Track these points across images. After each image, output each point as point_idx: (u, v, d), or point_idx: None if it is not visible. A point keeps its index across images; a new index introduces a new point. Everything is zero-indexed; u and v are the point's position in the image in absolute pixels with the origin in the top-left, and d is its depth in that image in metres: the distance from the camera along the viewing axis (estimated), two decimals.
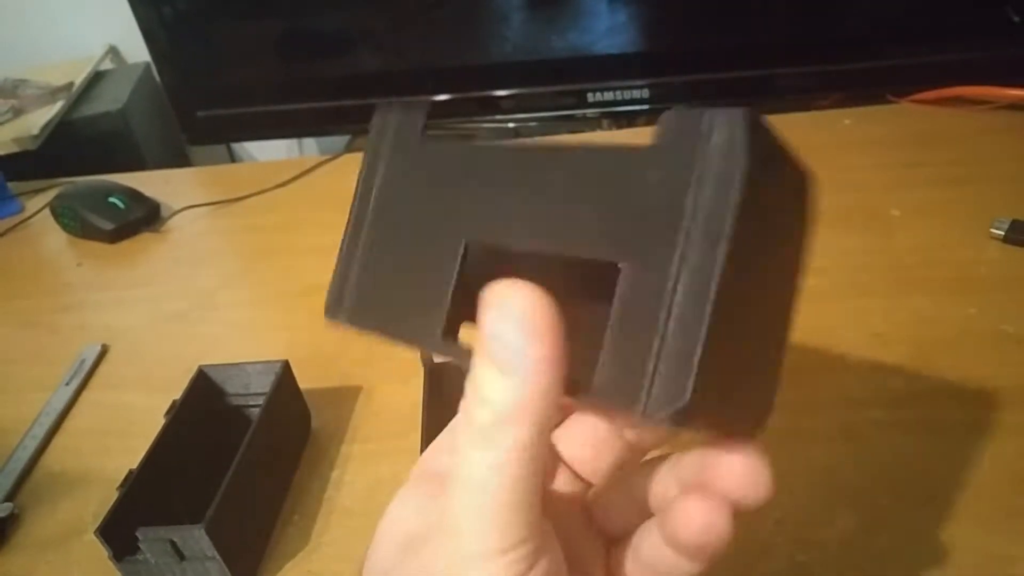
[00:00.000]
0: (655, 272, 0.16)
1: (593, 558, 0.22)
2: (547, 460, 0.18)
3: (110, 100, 1.05)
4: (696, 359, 0.15)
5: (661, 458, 0.21)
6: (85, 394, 0.53)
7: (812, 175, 0.18)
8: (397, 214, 0.22)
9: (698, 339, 0.15)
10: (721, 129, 0.16)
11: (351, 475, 0.44)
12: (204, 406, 0.44)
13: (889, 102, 0.72)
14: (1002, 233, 0.52)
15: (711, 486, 0.18)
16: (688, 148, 0.16)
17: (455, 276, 0.19)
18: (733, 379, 0.17)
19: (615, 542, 0.22)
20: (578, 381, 0.17)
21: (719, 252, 0.15)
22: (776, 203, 0.17)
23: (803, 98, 0.77)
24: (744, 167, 0.15)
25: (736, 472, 0.17)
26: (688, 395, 0.15)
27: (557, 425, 0.23)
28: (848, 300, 0.50)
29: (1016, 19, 0.67)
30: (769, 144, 0.16)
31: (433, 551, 0.19)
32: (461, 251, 0.19)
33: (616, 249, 0.17)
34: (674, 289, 0.16)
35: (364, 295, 0.22)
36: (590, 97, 0.79)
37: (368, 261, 0.22)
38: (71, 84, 1.05)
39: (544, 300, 0.16)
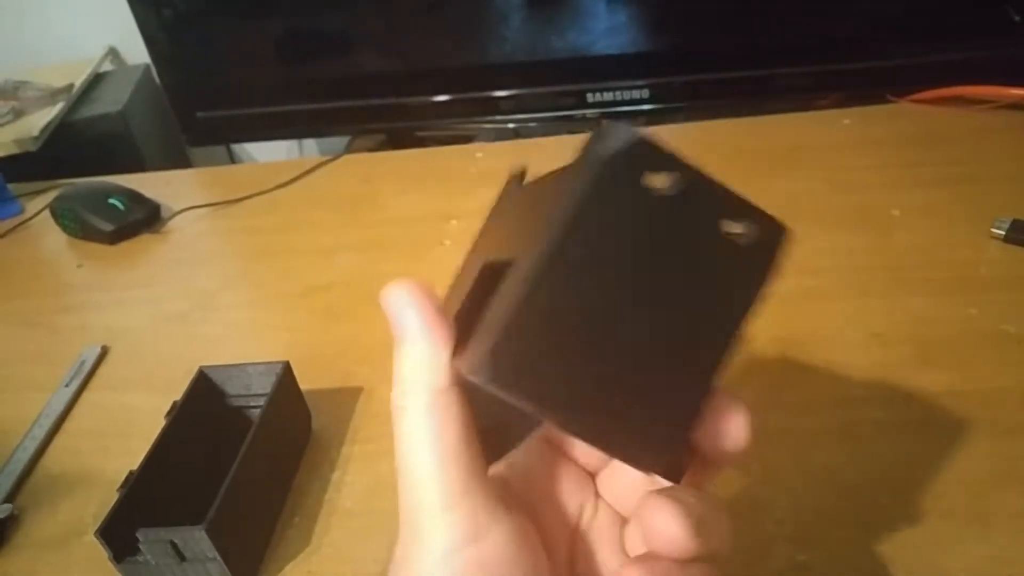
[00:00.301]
0: (517, 263, 0.17)
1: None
2: (464, 426, 0.19)
3: (110, 102, 1.05)
4: (501, 326, 0.17)
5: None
6: (85, 395, 0.53)
7: (779, 227, 0.18)
8: (477, 245, 0.25)
9: (509, 310, 0.17)
10: (603, 135, 0.17)
11: (352, 476, 0.44)
12: (205, 407, 0.44)
13: (889, 102, 0.72)
14: (1003, 233, 0.52)
15: (647, 543, 0.19)
16: (581, 157, 0.18)
17: (466, 293, 0.21)
18: (590, 383, 0.17)
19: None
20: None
21: (551, 233, 0.17)
22: (675, 232, 0.17)
23: (803, 98, 0.77)
24: (593, 167, 0.17)
25: (659, 534, 0.18)
26: (486, 356, 0.17)
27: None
28: (848, 300, 0.50)
29: (1016, 19, 0.67)
30: (660, 161, 0.17)
31: (400, 542, 0.20)
32: (477, 271, 0.21)
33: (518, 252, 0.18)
34: (516, 273, 0.17)
35: None
36: (590, 97, 0.79)
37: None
38: (71, 86, 1.05)
39: (414, 284, 0.19)
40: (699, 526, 0.18)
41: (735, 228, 0.18)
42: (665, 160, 0.17)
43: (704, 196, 0.17)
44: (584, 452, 0.24)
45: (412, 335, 0.19)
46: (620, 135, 0.17)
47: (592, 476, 0.24)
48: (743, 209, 0.18)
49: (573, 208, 0.17)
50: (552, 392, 0.17)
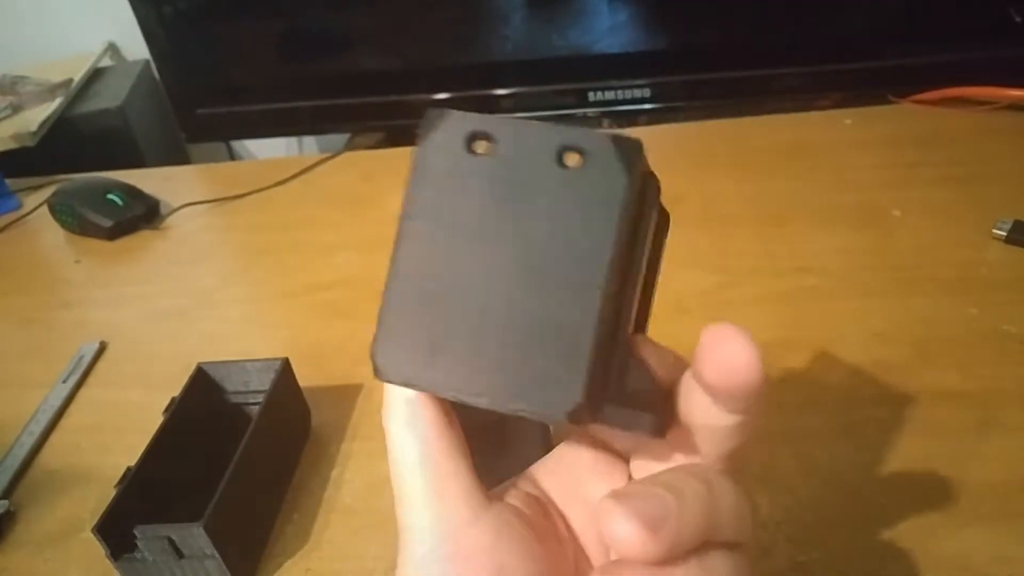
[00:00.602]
0: None
1: None
2: (439, 432, 0.21)
3: (109, 97, 1.05)
4: (378, 324, 0.19)
5: None
6: (83, 391, 0.53)
7: (618, 142, 0.18)
8: None
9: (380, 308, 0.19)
10: (424, 123, 0.19)
11: (351, 473, 0.44)
12: (203, 404, 0.44)
13: (890, 102, 0.72)
14: (1004, 234, 0.52)
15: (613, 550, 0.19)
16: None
17: None
18: (477, 348, 0.18)
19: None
20: None
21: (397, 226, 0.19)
22: (515, 184, 0.18)
23: (804, 98, 0.77)
24: (415, 153, 0.19)
25: (611, 540, 0.17)
26: (373, 358, 0.18)
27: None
28: (849, 300, 0.50)
29: (1018, 19, 0.67)
30: (478, 127, 0.18)
31: (398, 556, 0.21)
32: None
33: None
34: None
35: None
36: (591, 96, 0.79)
37: None
38: (70, 81, 1.05)
39: None
40: (660, 523, 0.17)
41: (572, 160, 0.18)
42: (481, 124, 0.18)
43: (530, 143, 0.18)
44: (613, 436, 0.23)
45: None
46: (433, 117, 0.19)
47: (626, 461, 0.23)
48: (576, 139, 0.18)
49: (405, 197, 0.19)
50: (443, 368, 0.18)
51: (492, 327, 0.18)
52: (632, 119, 0.83)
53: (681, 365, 0.20)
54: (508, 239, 0.18)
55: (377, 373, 0.19)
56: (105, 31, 1.19)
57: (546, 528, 0.22)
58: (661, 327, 0.23)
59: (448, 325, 0.18)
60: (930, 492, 0.38)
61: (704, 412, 0.19)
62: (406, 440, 0.21)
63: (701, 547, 0.18)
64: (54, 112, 0.99)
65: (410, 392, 0.20)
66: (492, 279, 0.18)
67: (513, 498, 0.22)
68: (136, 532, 0.35)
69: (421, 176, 0.18)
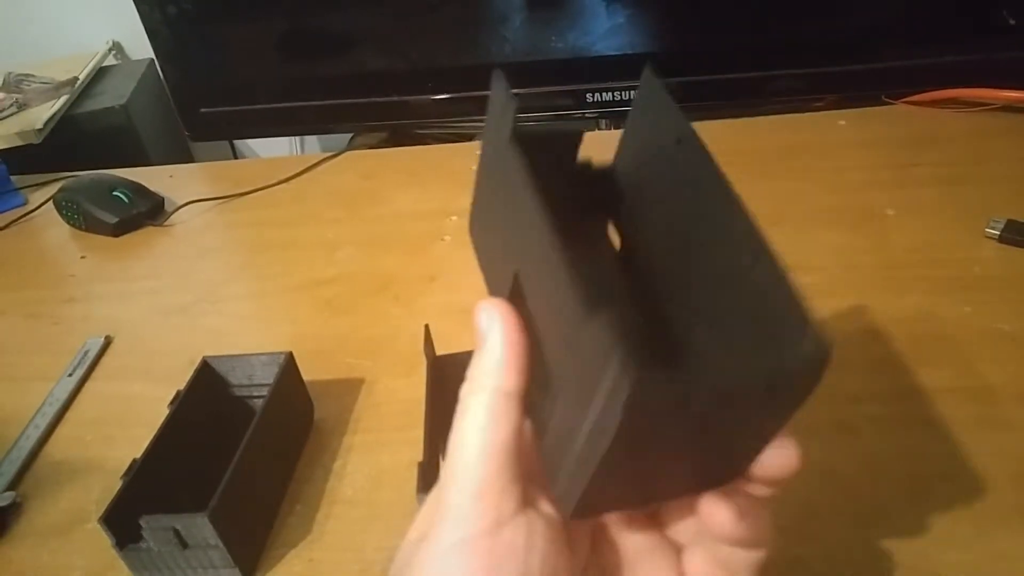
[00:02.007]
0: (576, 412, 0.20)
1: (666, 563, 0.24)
2: (517, 433, 0.21)
3: (113, 95, 1.06)
4: (571, 489, 0.20)
5: None
6: (88, 385, 0.54)
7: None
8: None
9: (575, 476, 0.20)
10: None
11: (353, 466, 0.44)
12: (208, 396, 0.44)
13: (884, 104, 0.73)
14: (997, 233, 0.53)
15: None
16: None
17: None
18: (651, 488, 0.21)
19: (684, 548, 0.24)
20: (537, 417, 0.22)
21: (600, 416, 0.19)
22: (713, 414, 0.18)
23: (799, 99, 0.77)
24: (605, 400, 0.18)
25: None
26: (567, 507, 0.21)
27: None
28: (843, 298, 0.51)
29: (1012, 21, 0.68)
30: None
31: (424, 519, 0.22)
32: (511, 280, 0.23)
33: None
34: (574, 430, 0.20)
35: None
36: (589, 97, 0.79)
37: None
38: (75, 79, 1.06)
39: (503, 304, 0.22)
40: None
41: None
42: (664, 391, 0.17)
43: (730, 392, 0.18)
44: None
45: (492, 344, 0.22)
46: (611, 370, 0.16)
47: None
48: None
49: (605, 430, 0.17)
50: (621, 503, 0.22)
51: (667, 477, 0.21)
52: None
53: None
54: (696, 433, 0.19)
55: (565, 515, 0.21)
56: (109, 30, 1.19)
57: (577, 538, 0.23)
58: None
59: (627, 481, 0.20)
60: (925, 488, 0.38)
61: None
62: (481, 425, 0.21)
63: None
64: (59, 110, 0.99)
65: (512, 386, 0.21)
66: (672, 458, 0.20)
67: (548, 506, 0.22)
68: (142, 522, 0.36)
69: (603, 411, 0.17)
